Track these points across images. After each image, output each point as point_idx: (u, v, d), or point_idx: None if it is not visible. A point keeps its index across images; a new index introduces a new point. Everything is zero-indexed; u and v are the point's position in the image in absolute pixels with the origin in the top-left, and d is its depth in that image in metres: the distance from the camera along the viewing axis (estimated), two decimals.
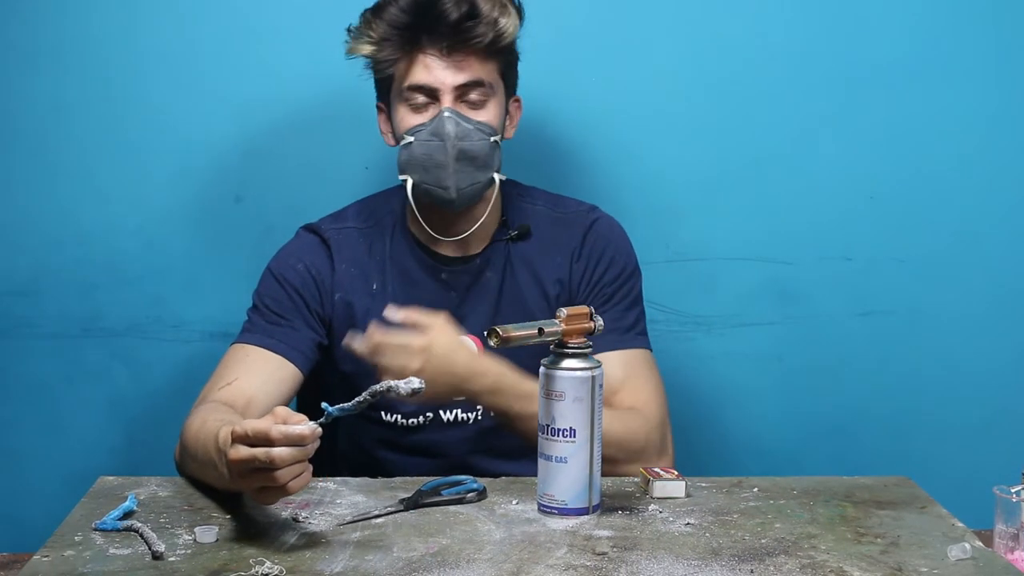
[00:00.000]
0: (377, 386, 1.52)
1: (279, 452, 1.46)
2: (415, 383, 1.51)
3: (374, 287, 1.97)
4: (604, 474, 1.69)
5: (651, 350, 1.99)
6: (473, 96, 1.89)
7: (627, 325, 1.97)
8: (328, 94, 2.26)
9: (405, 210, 1.99)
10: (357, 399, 1.52)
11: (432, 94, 1.88)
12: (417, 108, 1.89)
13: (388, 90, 1.93)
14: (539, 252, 1.99)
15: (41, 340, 2.30)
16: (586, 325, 1.63)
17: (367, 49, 1.91)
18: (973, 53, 2.30)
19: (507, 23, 1.89)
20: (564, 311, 1.62)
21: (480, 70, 1.88)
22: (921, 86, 2.31)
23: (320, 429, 1.49)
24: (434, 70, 1.87)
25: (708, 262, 2.34)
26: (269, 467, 1.47)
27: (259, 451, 1.47)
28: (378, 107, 1.98)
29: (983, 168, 2.33)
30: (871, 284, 2.35)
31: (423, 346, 1.75)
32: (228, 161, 2.28)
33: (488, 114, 1.90)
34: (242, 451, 1.48)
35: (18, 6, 2.23)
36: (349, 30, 1.94)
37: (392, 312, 1.81)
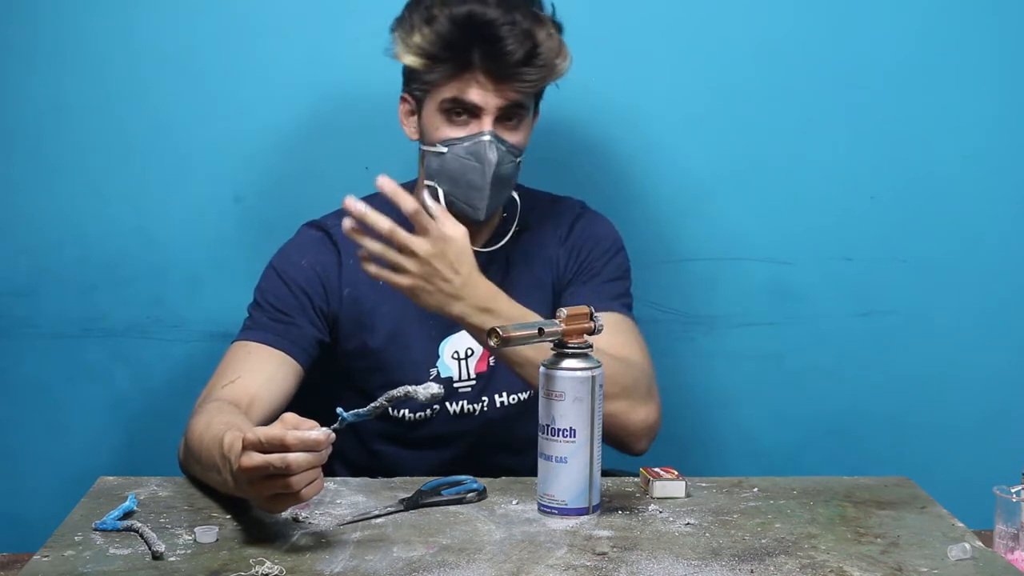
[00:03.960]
0: (394, 391, 1.52)
1: (295, 458, 1.46)
2: (433, 388, 1.51)
3: (381, 282, 1.97)
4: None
5: (636, 324, 1.98)
6: (512, 117, 1.88)
7: (613, 294, 1.97)
8: (328, 94, 2.26)
9: None
10: (373, 404, 1.52)
11: (473, 111, 1.86)
12: (456, 122, 1.87)
13: (423, 91, 1.89)
14: (534, 246, 2.01)
15: (41, 340, 2.30)
16: (586, 325, 1.63)
17: (414, 62, 1.86)
18: (974, 53, 2.31)
19: (563, 66, 1.88)
20: (564, 311, 1.62)
21: (523, 96, 1.87)
22: (922, 86, 2.31)
23: (334, 435, 1.49)
24: (482, 92, 1.84)
25: (708, 262, 2.34)
26: (284, 473, 1.46)
27: (274, 457, 1.46)
28: (402, 98, 1.95)
29: (984, 168, 2.33)
30: (871, 284, 2.35)
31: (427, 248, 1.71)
32: (228, 161, 2.28)
33: (521, 135, 1.90)
34: (256, 458, 1.47)
35: (17, 6, 2.23)
36: (393, 29, 1.88)
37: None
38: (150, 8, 2.24)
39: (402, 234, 1.73)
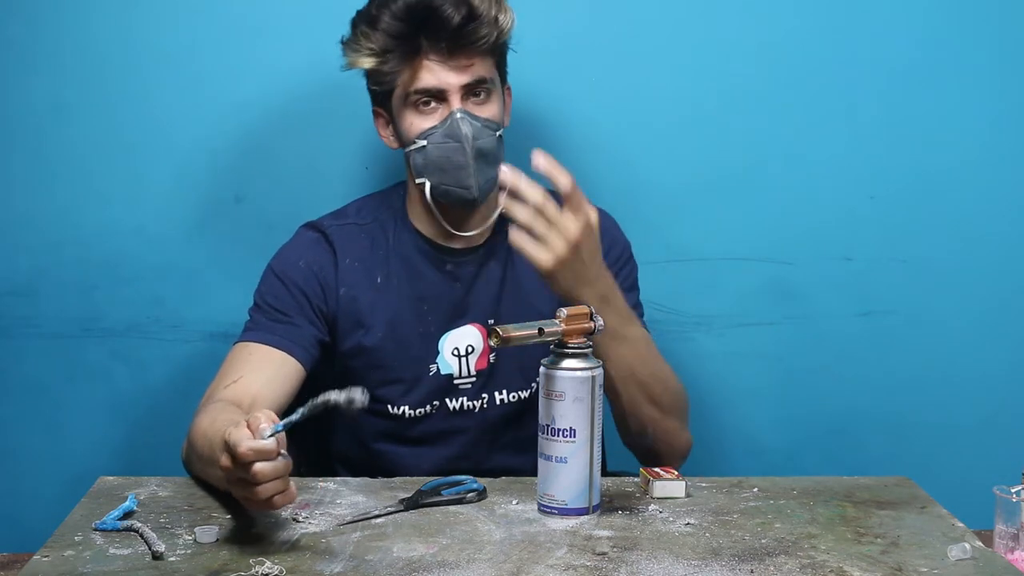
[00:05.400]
0: (315, 400, 1.49)
1: (260, 467, 1.47)
2: (356, 393, 1.48)
3: (378, 280, 1.97)
4: (631, 425, 1.86)
5: None
6: (478, 92, 1.90)
7: (631, 306, 1.98)
8: (328, 93, 2.25)
9: (406, 205, 2.00)
10: (300, 410, 1.50)
11: (439, 96, 1.89)
12: (425, 111, 1.89)
13: (388, 96, 1.93)
14: None
15: (41, 340, 2.29)
16: (586, 325, 1.64)
17: (368, 63, 1.90)
18: (974, 53, 2.30)
19: (505, 20, 1.90)
20: (564, 311, 1.63)
21: (482, 68, 1.89)
22: (922, 86, 2.31)
23: (274, 442, 1.47)
24: (439, 73, 1.87)
25: (708, 262, 2.34)
26: (250, 482, 1.48)
27: (239, 468, 1.47)
28: (375, 112, 1.98)
29: (984, 168, 2.33)
30: (871, 284, 2.35)
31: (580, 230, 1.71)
32: (228, 161, 2.28)
33: (492, 109, 1.91)
34: (229, 460, 1.49)
35: (17, 6, 2.23)
36: (342, 42, 1.93)
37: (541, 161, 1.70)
38: (150, 8, 2.24)
39: (553, 210, 1.72)
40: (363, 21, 1.90)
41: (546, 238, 1.72)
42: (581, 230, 1.72)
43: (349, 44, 1.92)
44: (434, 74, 1.87)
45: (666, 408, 1.90)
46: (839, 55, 2.30)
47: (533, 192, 1.71)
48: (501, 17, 1.89)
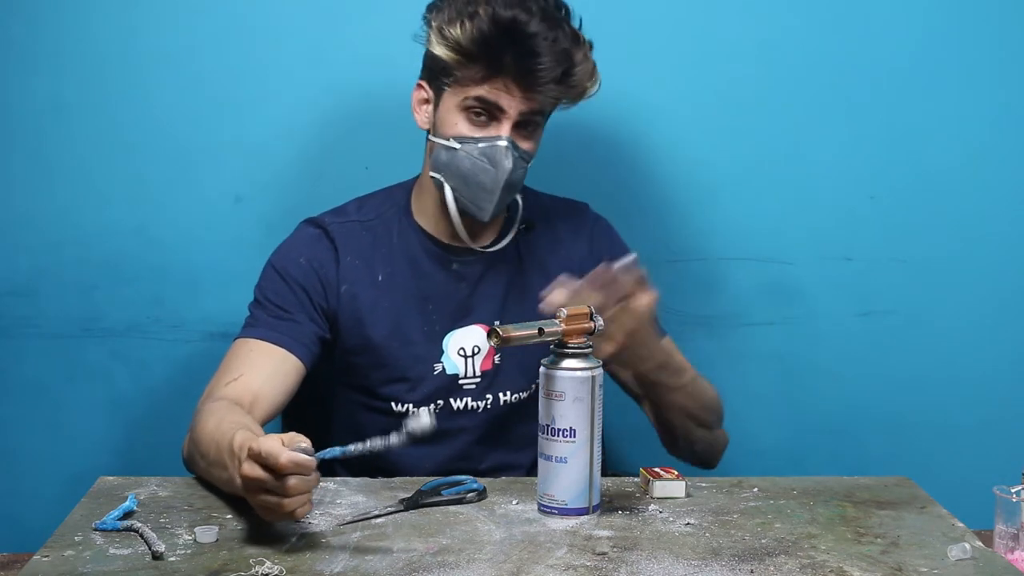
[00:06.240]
0: (378, 440, 1.53)
1: (293, 482, 1.48)
2: (424, 417, 1.52)
3: (379, 278, 1.97)
4: (681, 445, 1.96)
5: None
6: (529, 124, 1.88)
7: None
8: (328, 94, 2.26)
9: (410, 203, 1.99)
10: (359, 445, 1.54)
11: (494, 114, 1.85)
12: (476, 122, 1.86)
13: (446, 84, 1.87)
14: (546, 244, 2.01)
15: (41, 340, 2.29)
16: (586, 325, 1.63)
17: (446, 55, 1.83)
18: (974, 53, 2.31)
19: (590, 90, 1.89)
20: (564, 311, 1.62)
21: (547, 107, 1.88)
22: (922, 86, 2.31)
23: (314, 458, 1.50)
24: (508, 98, 1.83)
25: (708, 262, 2.34)
26: (280, 493, 1.48)
27: (272, 479, 1.48)
28: (419, 85, 1.93)
29: (984, 168, 2.33)
30: (871, 284, 2.35)
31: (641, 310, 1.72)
32: (228, 161, 2.28)
33: (534, 142, 1.90)
34: (257, 470, 1.49)
35: (18, 6, 2.23)
36: (429, 14, 1.85)
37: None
38: (150, 8, 2.24)
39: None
40: (458, 5, 1.82)
41: (607, 330, 1.69)
42: (639, 319, 1.73)
43: (436, 23, 1.84)
44: (504, 96, 1.83)
45: (712, 424, 2.00)
46: (839, 55, 2.30)
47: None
48: (589, 87, 1.88)
